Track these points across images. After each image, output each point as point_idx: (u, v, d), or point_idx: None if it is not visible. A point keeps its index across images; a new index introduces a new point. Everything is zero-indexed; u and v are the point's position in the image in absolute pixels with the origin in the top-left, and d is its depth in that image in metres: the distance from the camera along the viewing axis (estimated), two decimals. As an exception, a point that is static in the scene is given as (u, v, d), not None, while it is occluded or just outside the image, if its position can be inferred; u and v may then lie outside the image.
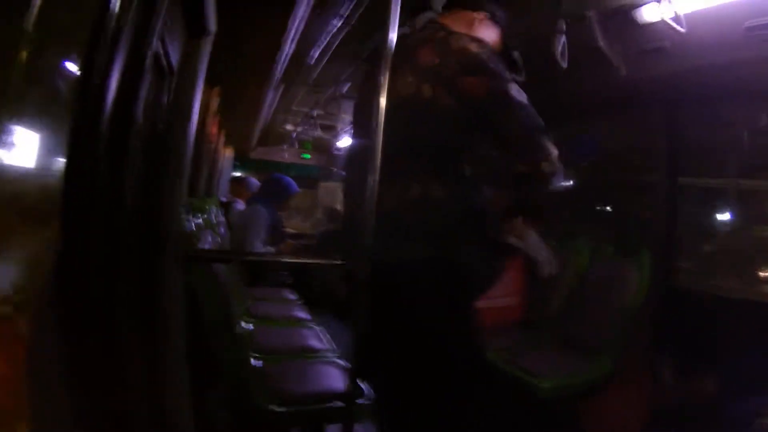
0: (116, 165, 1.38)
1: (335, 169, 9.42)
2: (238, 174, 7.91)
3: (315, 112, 6.80)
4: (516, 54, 3.34)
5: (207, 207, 3.83)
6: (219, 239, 3.94)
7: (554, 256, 3.95)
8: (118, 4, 1.21)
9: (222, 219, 5.09)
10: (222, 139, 6.41)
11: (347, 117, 6.75)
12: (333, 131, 7.82)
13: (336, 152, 8.28)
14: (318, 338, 3.41)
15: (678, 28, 2.75)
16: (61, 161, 1.15)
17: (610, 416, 3.10)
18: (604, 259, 3.90)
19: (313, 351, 3.18)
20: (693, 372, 3.21)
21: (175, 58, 2.02)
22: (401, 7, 1.93)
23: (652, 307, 3.45)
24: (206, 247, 3.02)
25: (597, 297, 3.68)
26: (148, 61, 1.44)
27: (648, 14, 3.06)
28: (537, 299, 3.97)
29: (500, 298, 3.86)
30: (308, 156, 9.41)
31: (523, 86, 3.13)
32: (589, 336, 3.55)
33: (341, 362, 2.93)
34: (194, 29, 2.12)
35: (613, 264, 3.77)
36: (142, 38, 1.39)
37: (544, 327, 3.91)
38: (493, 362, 3.39)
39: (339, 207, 9.34)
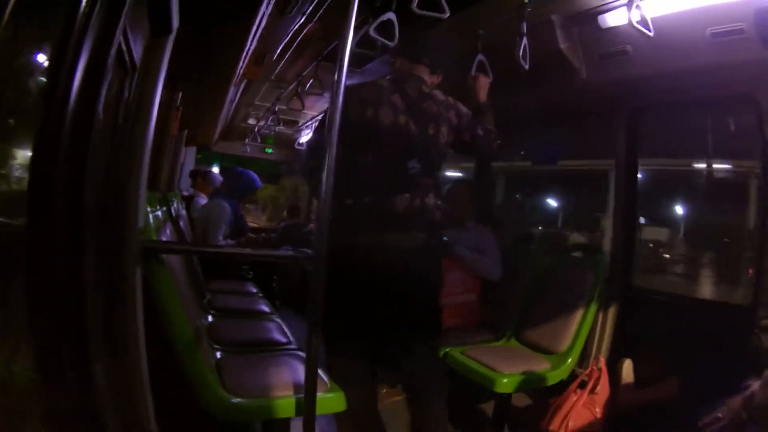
0: (78, 158, 1.41)
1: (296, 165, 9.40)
2: (200, 168, 7.83)
3: (277, 107, 6.80)
4: (481, 57, 3.44)
5: (168, 201, 3.82)
6: (180, 233, 3.94)
7: (498, 262, 4.07)
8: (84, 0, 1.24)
9: (183, 213, 5.08)
10: (184, 133, 6.37)
11: (309, 113, 6.78)
12: (295, 126, 7.83)
13: (298, 147, 8.27)
14: (279, 331, 3.43)
15: (645, 32, 2.80)
16: (26, 154, 1.18)
17: (568, 418, 3.14)
18: (562, 260, 3.99)
19: (274, 343, 3.21)
20: (653, 374, 3.30)
21: (138, 53, 2.04)
22: (361, 7, 1.99)
23: (612, 308, 3.54)
24: (166, 239, 3.03)
25: (555, 298, 3.78)
26: (112, 57, 1.46)
27: (613, 18, 3.13)
28: (496, 299, 4.05)
29: (459, 295, 3.95)
30: (270, 150, 9.37)
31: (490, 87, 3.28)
32: (547, 337, 3.64)
33: (302, 354, 2.95)
34: (158, 25, 2.14)
35: (571, 265, 3.87)
36: (107, 34, 1.41)
37: (503, 327, 3.99)
38: (451, 356, 3.48)
39: (300, 202, 9.36)
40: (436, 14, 2.86)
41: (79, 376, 1.46)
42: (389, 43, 3.02)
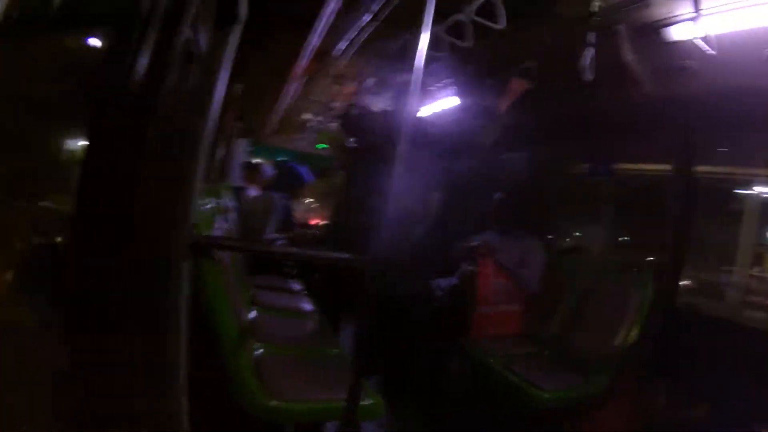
0: (134, 149, 1.38)
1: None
2: (251, 161, 7.89)
3: (335, 104, 6.78)
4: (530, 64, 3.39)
5: (220, 193, 3.82)
6: (229, 225, 3.94)
7: (536, 276, 4.01)
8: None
9: (234, 204, 5.10)
10: (239, 125, 6.40)
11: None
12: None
13: (349, 146, 8.27)
14: (322, 331, 3.41)
15: (708, 49, 2.71)
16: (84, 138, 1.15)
17: None
18: (607, 276, 3.88)
19: (317, 344, 3.17)
20: (687, 396, 3.18)
21: (204, 44, 2.01)
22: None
23: (653, 327, 3.41)
24: (217, 232, 3.01)
25: (598, 313, 3.68)
26: (179, 47, 1.42)
27: (679, 32, 3.03)
28: (539, 312, 3.98)
29: (501, 305, 3.89)
30: (325, 146, 9.37)
31: (540, 97, 3.23)
32: (587, 352, 3.56)
33: (345, 358, 2.91)
34: (225, 16, 2.11)
35: (616, 281, 3.75)
36: (175, 24, 1.37)
37: (544, 340, 3.90)
38: (493, 368, 3.40)
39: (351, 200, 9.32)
40: (491, 24, 2.81)
41: (117, 371, 1.44)
42: (462, 43, 2.98)
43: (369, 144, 4.30)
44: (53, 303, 1.18)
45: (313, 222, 8.80)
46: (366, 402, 2.40)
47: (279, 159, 8.59)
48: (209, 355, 2.37)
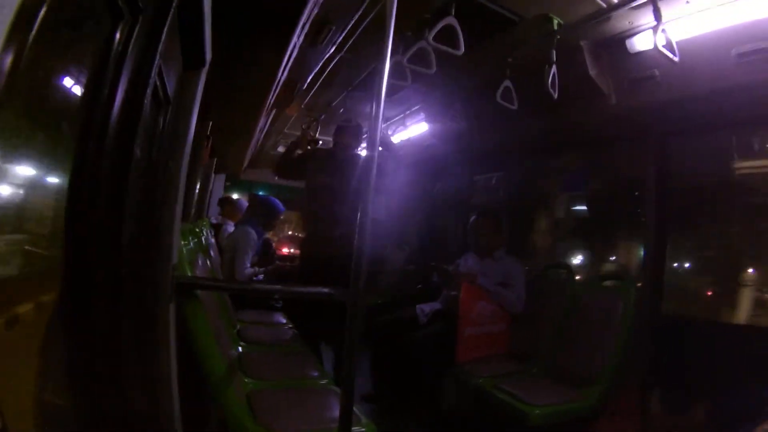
0: (116, 196, 1.40)
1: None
2: (228, 196, 7.91)
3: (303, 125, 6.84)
4: (508, 83, 3.44)
5: (199, 230, 3.83)
6: (210, 262, 3.94)
7: (519, 295, 4.06)
8: (118, 38, 1.24)
9: (213, 241, 5.10)
10: (214, 162, 6.43)
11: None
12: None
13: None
14: (310, 363, 3.39)
15: (671, 56, 2.78)
16: (64, 188, 1.17)
17: None
18: (592, 289, 3.92)
19: (306, 376, 3.17)
20: (684, 402, 3.21)
21: (171, 87, 2.04)
22: (394, 36, 1.99)
23: (642, 336, 3.45)
24: (198, 270, 3.02)
25: (585, 327, 3.69)
26: (148, 95, 1.46)
27: (641, 43, 3.10)
28: (525, 330, 4.00)
29: (486, 326, 3.91)
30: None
31: (514, 116, 3.27)
32: (578, 366, 3.56)
33: (334, 388, 2.91)
34: (191, 60, 2.15)
35: (600, 293, 3.79)
36: (142, 71, 1.41)
37: (533, 357, 3.92)
38: (482, 388, 3.42)
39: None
40: (450, 50, 2.87)
41: (113, 411, 1.44)
42: (427, 70, 3.03)
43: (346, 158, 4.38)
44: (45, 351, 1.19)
45: (292, 252, 8.81)
46: (359, 429, 2.40)
47: (257, 193, 8.61)
48: (199, 394, 2.38)
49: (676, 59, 2.77)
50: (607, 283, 3.96)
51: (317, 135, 5.86)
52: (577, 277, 4.33)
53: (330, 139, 6.25)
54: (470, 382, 3.60)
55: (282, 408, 2.53)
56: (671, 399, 3.29)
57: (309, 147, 5.10)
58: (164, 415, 1.98)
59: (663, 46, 2.75)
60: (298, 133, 6.64)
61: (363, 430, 2.43)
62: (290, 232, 9.86)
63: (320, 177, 4.35)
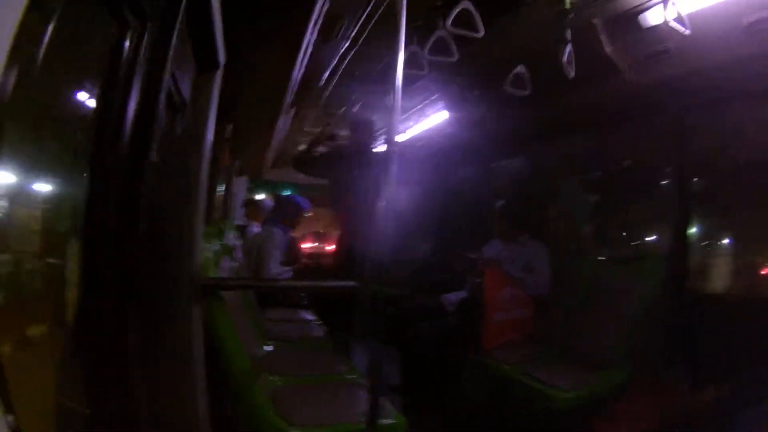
0: (132, 202, 1.42)
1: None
2: (251, 197, 7.97)
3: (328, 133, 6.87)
4: (521, 69, 3.41)
5: (223, 233, 3.87)
6: (235, 263, 3.98)
7: (544, 279, 4.03)
8: (127, 47, 1.26)
9: (238, 243, 5.14)
10: (236, 163, 6.47)
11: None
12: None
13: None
14: (338, 358, 3.42)
15: (681, 29, 2.73)
16: (82, 196, 1.20)
17: (622, 428, 3.08)
18: (610, 270, 3.89)
19: (333, 371, 3.19)
20: (706, 380, 3.17)
21: (186, 91, 2.07)
22: (407, 27, 1.99)
23: (663, 315, 3.42)
24: (223, 271, 3.05)
25: (606, 309, 3.66)
26: (162, 98, 1.47)
27: (653, 17, 3.05)
28: (550, 314, 3.99)
29: (512, 312, 3.90)
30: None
31: (530, 99, 3.23)
32: (598, 348, 3.54)
33: (362, 381, 2.92)
34: (204, 63, 2.17)
35: (620, 274, 3.76)
36: (154, 76, 1.42)
37: (555, 341, 3.91)
38: (508, 374, 3.44)
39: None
40: (470, 33, 2.85)
41: (135, 414, 1.47)
42: (449, 59, 3.02)
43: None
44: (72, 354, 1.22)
45: (319, 250, 8.86)
46: (387, 421, 2.41)
47: (281, 192, 8.66)
48: (226, 394, 2.41)
49: (687, 32, 2.72)
50: (628, 263, 3.92)
51: (337, 130, 5.91)
52: (599, 259, 4.30)
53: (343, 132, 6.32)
54: (496, 368, 3.60)
55: (309, 403, 2.55)
56: (692, 379, 3.25)
57: (327, 142, 5.15)
58: (189, 417, 2.00)
59: (674, 20, 2.71)
60: (318, 130, 6.69)
61: (392, 422, 2.44)
62: (319, 230, 9.91)
63: (340, 173, 4.41)
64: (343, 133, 6.33)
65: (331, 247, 8.52)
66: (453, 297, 4.43)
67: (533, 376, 3.30)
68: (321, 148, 6.13)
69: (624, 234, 4.47)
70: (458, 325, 4.04)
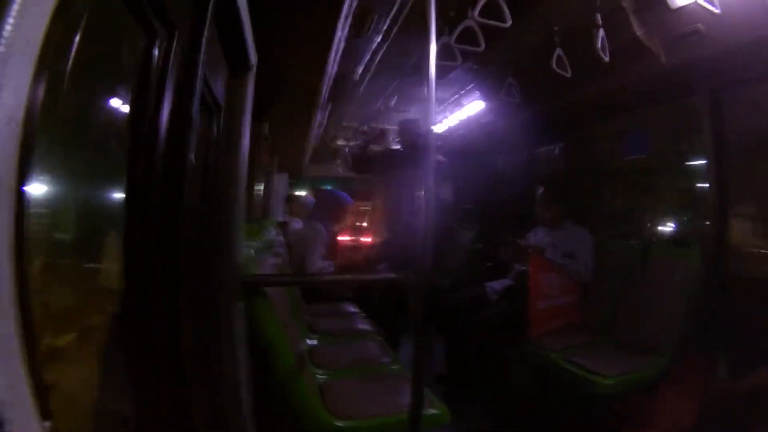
0: (172, 204, 1.45)
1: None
2: (292, 193, 8.06)
3: (365, 126, 6.91)
4: (559, 52, 3.39)
5: (265, 229, 3.92)
6: (278, 260, 4.03)
7: (588, 265, 4.00)
8: (156, 54, 1.29)
9: (280, 239, 5.20)
10: (275, 160, 6.55)
11: (396, 129, 6.86)
12: (384, 144, 7.92)
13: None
14: (381, 350, 3.44)
15: (711, 8, 2.67)
16: (121, 199, 1.24)
17: (665, 413, 3.05)
18: (654, 257, 3.82)
19: (377, 363, 3.21)
20: (747, 365, 3.11)
21: (220, 94, 2.11)
22: (437, 19, 1.99)
23: (707, 301, 3.35)
24: (265, 267, 3.09)
25: (649, 295, 3.63)
26: (196, 102, 1.50)
27: None
28: (594, 300, 3.95)
29: (557, 298, 3.88)
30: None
31: (564, 85, 3.20)
32: (643, 334, 3.52)
33: (406, 373, 2.94)
34: (237, 65, 2.21)
35: (664, 259, 3.69)
36: (186, 81, 1.45)
37: (602, 326, 3.88)
38: (552, 361, 3.43)
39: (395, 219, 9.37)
40: (498, 23, 2.83)
41: (180, 413, 1.50)
42: (476, 48, 3.02)
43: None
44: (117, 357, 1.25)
45: (361, 243, 8.89)
46: (431, 411, 2.42)
47: (321, 187, 8.72)
48: (271, 390, 2.45)
49: (717, 11, 2.67)
50: (672, 247, 3.86)
51: (383, 125, 5.98)
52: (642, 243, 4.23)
53: (390, 127, 6.37)
54: (540, 355, 3.60)
55: (354, 396, 2.58)
56: (733, 364, 3.19)
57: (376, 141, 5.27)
58: (234, 415, 2.05)
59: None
60: (356, 125, 6.74)
61: (436, 412, 2.45)
62: (357, 223, 9.96)
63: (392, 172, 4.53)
64: (390, 127, 6.42)
65: (367, 240, 8.57)
66: (497, 285, 4.42)
67: (577, 363, 3.28)
68: (375, 147, 6.24)
69: (666, 217, 4.38)
70: (503, 313, 4.03)
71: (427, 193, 1.90)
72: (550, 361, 3.48)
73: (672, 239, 4.08)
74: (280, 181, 7.99)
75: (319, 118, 5.32)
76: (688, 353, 3.23)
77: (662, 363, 3.25)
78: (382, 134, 5.69)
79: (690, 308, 3.30)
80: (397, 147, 4.90)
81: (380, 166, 4.85)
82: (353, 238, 9.44)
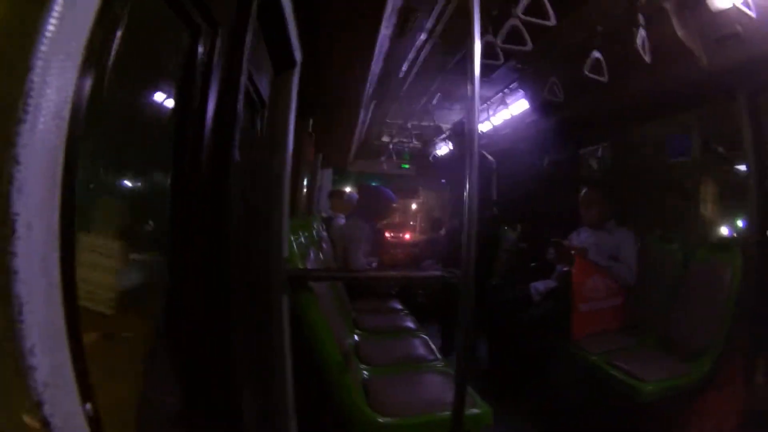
0: (219, 198, 1.47)
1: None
2: (337, 189, 8.10)
3: (409, 123, 6.91)
4: (597, 54, 3.35)
5: (309, 225, 3.95)
6: (322, 255, 4.06)
7: (632, 268, 3.93)
8: (201, 51, 1.31)
9: (324, 234, 5.23)
10: (320, 157, 6.59)
11: (441, 126, 6.85)
12: (428, 141, 7.91)
13: (433, 162, 8.32)
14: (425, 347, 3.43)
15: (749, 12, 2.62)
16: (166, 194, 1.26)
17: (707, 417, 3.01)
18: (698, 260, 3.73)
19: (421, 360, 3.21)
20: None
21: (265, 91, 2.13)
22: (482, 16, 1.98)
23: (749, 305, 3.26)
24: (310, 263, 3.12)
25: (693, 298, 3.56)
26: (240, 99, 1.52)
27: (721, 1, 2.94)
28: (638, 302, 3.88)
29: (601, 301, 3.83)
30: (407, 166, 9.48)
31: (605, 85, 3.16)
32: (687, 338, 3.45)
33: (449, 371, 2.93)
34: (281, 62, 2.23)
35: (709, 263, 3.60)
36: (231, 79, 1.47)
37: (643, 330, 3.82)
38: (595, 365, 3.40)
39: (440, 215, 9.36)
40: (542, 21, 2.80)
41: (226, 406, 1.52)
42: (523, 48, 2.99)
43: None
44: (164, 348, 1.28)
45: (405, 240, 8.91)
46: (474, 411, 2.41)
47: (366, 183, 8.76)
48: (315, 385, 2.47)
49: (753, 15, 2.61)
50: (715, 251, 3.76)
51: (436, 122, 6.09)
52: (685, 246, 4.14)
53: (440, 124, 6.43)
54: (583, 358, 3.56)
55: (397, 393, 2.58)
56: None
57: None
58: (279, 412, 2.07)
59: (741, 3, 2.61)
60: (400, 122, 6.76)
61: (478, 411, 2.44)
62: (398, 220, 10.01)
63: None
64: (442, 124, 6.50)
65: (407, 236, 8.59)
66: (541, 286, 4.36)
67: (618, 367, 3.24)
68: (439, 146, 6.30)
69: (713, 221, 4.29)
70: (546, 314, 3.98)
71: (471, 192, 1.89)
72: (591, 364, 3.44)
73: (714, 242, 3.99)
74: (325, 176, 8.04)
75: (363, 115, 5.33)
76: (731, 358, 3.15)
77: (705, 368, 3.18)
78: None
79: (733, 312, 3.22)
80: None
81: (442, 168, 5.04)
82: (397, 234, 9.46)
